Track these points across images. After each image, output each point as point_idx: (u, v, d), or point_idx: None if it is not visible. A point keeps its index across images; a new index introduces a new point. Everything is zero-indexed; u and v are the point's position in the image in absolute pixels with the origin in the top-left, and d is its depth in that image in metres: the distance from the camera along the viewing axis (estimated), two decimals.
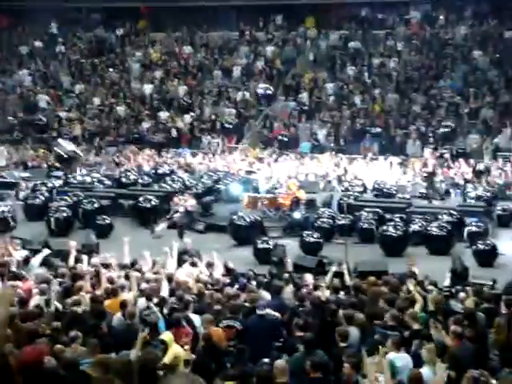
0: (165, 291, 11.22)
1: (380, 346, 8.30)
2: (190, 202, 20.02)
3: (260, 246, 16.56)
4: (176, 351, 8.83)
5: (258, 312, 9.97)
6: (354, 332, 9.46)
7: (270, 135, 29.26)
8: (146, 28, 37.35)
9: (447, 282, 12.79)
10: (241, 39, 35.52)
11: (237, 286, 12.25)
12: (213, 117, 30.38)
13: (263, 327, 9.77)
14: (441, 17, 33.50)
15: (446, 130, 26.74)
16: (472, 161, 24.95)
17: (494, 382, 6.95)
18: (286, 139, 28.51)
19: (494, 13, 32.69)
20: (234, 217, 18.54)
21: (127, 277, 11.89)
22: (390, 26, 34.30)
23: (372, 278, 12.29)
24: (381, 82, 30.89)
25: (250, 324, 9.90)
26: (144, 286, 11.60)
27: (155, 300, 10.74)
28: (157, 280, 11.75)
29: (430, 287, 12.03)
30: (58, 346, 8.30)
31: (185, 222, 19.61)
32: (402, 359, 8.52)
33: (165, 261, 13.26)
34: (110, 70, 34.66)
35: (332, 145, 27.95)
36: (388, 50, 32.82)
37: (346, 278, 12.57)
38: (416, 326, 9.45)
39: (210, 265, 13.32)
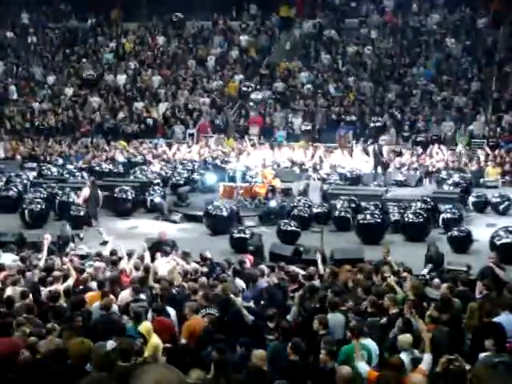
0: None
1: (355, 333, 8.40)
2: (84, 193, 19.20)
3: (236, 235, 16.54)
4: (155, 342, 8.81)
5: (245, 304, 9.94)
6: (338, 318, 9.50)
7: (246, 124, 29.25)
8: (118, 18, 37.10)
9: (425, 271, 12.87)
10: (215, 28, 35.39)
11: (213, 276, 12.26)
12: (189, 106, 30.29)
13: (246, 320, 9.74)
14: (414, 5, 33.62)
15: (379, 124, 26.80)
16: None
17: (468, 366, 7.01)
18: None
19: (467, 0, 32.87)
20: (209, 207, 18.50)
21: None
22: (364, 14, 34.36)
23: (347, 266, 12.34)
24: (355, 71, 30.96)
25: (232, 317, 9.86)
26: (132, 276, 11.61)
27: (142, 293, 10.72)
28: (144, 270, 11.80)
29: (405, 274, 12.10)
30: (33, 338, 8.24)
31: (163, 208, 19.61)
32: (371, 345, 8.61)
33: (140, 253, 13.23)
34: (83, 60, 34.39)
35: (306, 130, 27.93)
36: (362, 38, 32.90)
37: (320, 266, 12.61)
38: (395, 310, 9.51)
39: (186, 254, 13.29)
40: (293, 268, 12.52)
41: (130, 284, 11.15)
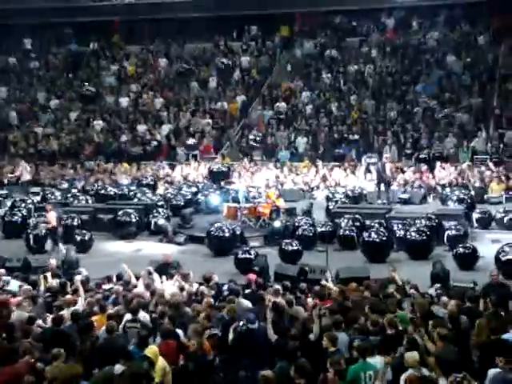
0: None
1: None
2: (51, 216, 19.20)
3: (241, 256, 16.53)
4: (162, 365, 8.76)
5: (250, 326, 9.91)
6: (342, 337, 9.47)
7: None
8: (120, 41, 37.33)
9: (432, 291, 12.85)
10: (216, 50, 35.58)
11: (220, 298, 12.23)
12: (190, 129, 30.42)
13: (257, 341, 9.70)
14: (414, 23, 33.79)
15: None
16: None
17: None
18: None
19: (467, 18, 33.05)
20: (211, 228, 18.50)
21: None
22: (365, 33, 34.53)
23: (353, 284, 12.32)
24: (357, 89, 31.07)
25: (243, 338, 9.81)
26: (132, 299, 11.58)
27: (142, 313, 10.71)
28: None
29: (412, 291, 12.08)
30: (39, 364, 8.22)
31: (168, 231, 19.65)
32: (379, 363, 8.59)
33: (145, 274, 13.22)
34: (86, 84, 34.57)
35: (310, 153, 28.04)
36: (363, 57, 33.04)
37: (331, 285, 12.62)
38: (390, 331, 9.45)
39: (184, 276, 13.27)
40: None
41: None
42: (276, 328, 9.79)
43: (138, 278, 13.13)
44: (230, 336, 9.88)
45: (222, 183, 23.77)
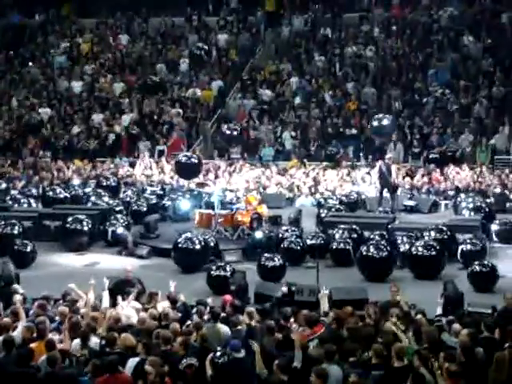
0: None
1: None
2: None
3: (215, 272, 16.49)
4: None
5: (236, 355, 9.91)
6: (335, 371, 9.47)
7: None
8: (72, 13, 37.20)
9: (439, 310, 12.88)
10: (188, 26, 35.56)
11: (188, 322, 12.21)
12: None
13: (245, 373, 9.72)
14: None
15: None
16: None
17: None
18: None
19: None
20: (180, 239, 18.46)
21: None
22: (365, 8, 34.64)
23: (349, 308, 12.32)
24: (355, 75, 31.16)
25: (227, 370, 9.84)
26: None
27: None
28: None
29: (419, 317, 12.10)
30: None
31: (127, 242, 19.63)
32: None
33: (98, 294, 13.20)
34: (30, 64, 34.39)
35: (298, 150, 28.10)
36: (363, 36, 33.14)
37: (325, 307, 12.65)
38: (398, 364, 9.48)
39: (151, 296, 13.24)
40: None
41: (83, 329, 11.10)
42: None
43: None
44: (208, 370, 9.89)
45: (194, 185, 23.70)
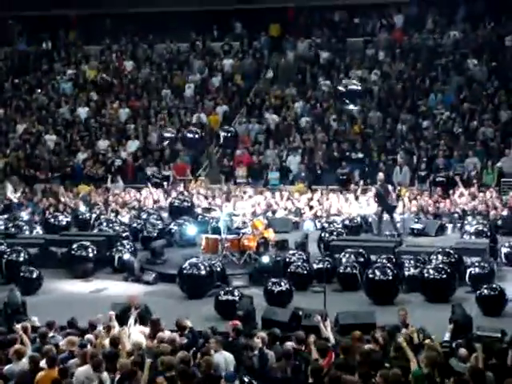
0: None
1: None
2: None
3: (223, 297, 16.46)
4: None
5: None
6: None
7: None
8: (77, 40, 37.39)
9: (447, 336, 12.81)
10: (193, 51, 35.70)
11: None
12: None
13: None
14: (429, 20, 34.07)
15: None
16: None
17: None
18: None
19: (491, 14, 33.33)
20: (185, 265, 18.42)
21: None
22: (370, 32, 34.76)
23: (357, 333, 12.25)
24: (360, 99, 31.17)
25: None
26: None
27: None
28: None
29: (427, 341, 12.02)
30: None
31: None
32: None
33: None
34: (38, 91, 34.54)
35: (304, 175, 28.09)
36: (368, 60, 33.23)
37: (329, 334, 12.57)
38: None
39: (154, 322, 13.18)
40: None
41: (90, 358, 11.02)
42: None
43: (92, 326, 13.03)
44: None
45: (200, 210, 23.69)
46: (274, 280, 17.25)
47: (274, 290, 16.96)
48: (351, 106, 25.67)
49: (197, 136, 26.39)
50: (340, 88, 23.41)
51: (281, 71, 33.91)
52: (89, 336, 12.61)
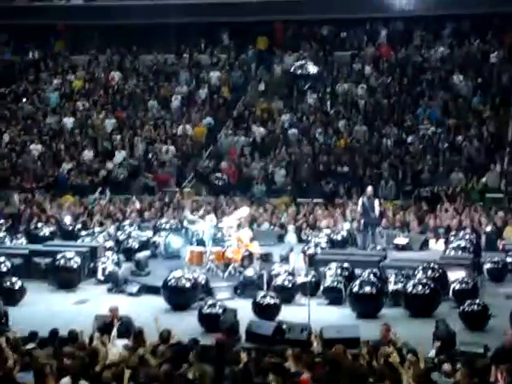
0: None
1: None
2: None
3: (206, 310, 16.43)
4: None
5: None
6: None
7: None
8: (64, 50, 37.35)
9: (432, 353, 12.82)
10: (180, 63, 35.72)
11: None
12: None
13: None
14: (415, 36, 34.25)
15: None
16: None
17: None
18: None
19: (477, 31, 33.56)
20: (169, 277, 18.40)
21: None
22: (356, 46, 34.90)
23: (340, 347, 12.24)
24: (347, 113, 31.28)
25: None
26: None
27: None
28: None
29: (409, 356, 12.03)
30: None
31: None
32: None
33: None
34: (24, 100, 34.46)
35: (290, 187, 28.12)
36: (354, 74, 33.34)
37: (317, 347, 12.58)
38: None
39: (136, 335, 13.13)
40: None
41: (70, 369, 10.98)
42: None
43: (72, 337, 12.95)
44: None
45: (186, 223, 23.66)
46: (263, 293, 17.24)
47: (262, 303, 16.93)
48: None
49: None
50: (294, 70, 23.49)
51: (268, 84, 33.94)
52: (68, 348, 12.50)
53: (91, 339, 12.93)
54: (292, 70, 26.47)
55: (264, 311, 16.70)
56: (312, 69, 23.43)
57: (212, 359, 12.03)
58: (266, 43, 35.64)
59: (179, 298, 18.10)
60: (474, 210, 25.18)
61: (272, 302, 16.95)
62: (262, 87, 33.98)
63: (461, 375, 10.56)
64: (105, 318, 14.69)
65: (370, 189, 23.43)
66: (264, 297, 17.06)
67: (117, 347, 12.72)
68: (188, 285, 18.15)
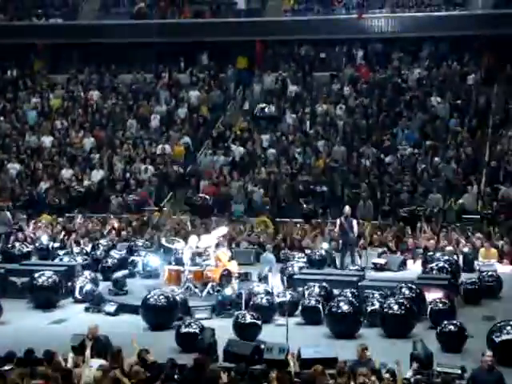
0: None
1: None
2: None
3: (184, 330, 16.39)
4: None
5: None
6: None
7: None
8: (43, 69, 37.31)
9: (409, 373, 12.84)
10: (159, 82, 35.76)
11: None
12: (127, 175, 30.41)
13: None
14: (393, 57, 34.49)
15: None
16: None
17: None
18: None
19: (454, 53, 33.88)
20: (148, 296, 18.36)
21: None
22: (335, 67, 35.10)
23: (319, 367, 12.26)
24: (325, 133, 31.42)
25: None
26: None
27: None
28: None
29: (387, 376, 12.07)
30: None
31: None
32: None
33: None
34: (1, 118, 34.36)
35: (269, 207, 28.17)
36: (333, 95, 33.51)
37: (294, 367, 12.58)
38: None
39: (113, 355, 13.07)
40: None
41: None
42: None
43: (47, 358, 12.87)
44: None
45: (164, 241, 23.62)
46: (242, 312, 17.22)
47: (243, 323, 16.91)
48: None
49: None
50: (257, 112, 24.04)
51: (247, 104, 34.05)
52: (42, 369, 12.41)
53: (65, 360, 12.86)
54: (255, 111, 26.90)
55: (245, 331, 16.67)
56: (272, 110, 24.04)
57: (190, 379, 12.04)
58: (245, 63, 35.76)
59: (158, 317, 18.04)
60: (452, 230, 25.31)
61: (253, 321, 16.92)
62: (241, 107, 34.08)
63: None
64: (81, 338, 14.63)
65: (347, 209, 23.52)
66: (244, 316, 17.04)
67: (90, 368, 12.61)
68: (166, 304, 18.11)
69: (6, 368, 12.72)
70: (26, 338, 15.83)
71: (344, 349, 14.87)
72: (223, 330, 16.72)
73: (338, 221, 23.50)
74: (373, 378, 11.43)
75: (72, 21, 37.73)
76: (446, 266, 21.62)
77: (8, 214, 26.83)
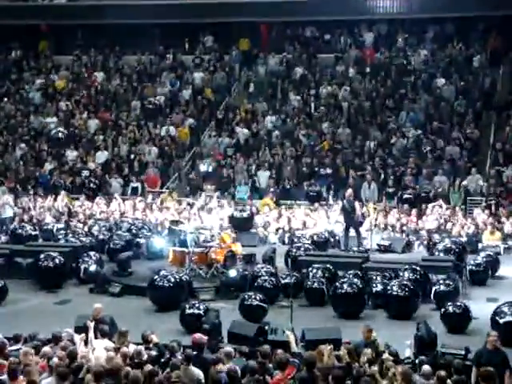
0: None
1: None
2: None
3: (188, 311, 16.43)
4: None
5: None
6: None
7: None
8: (48, 50, 37.26)
9: (408, 353, 12.87)
10: (163, 63, 35.70)
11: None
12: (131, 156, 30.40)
13: None
14: (398, 39, 34.37)
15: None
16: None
17: None
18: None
19: (460, 34, 33.73)
20: (156, 277, 18.40)
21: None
22: (340, 48, 35.01)
23: (322, 347, 12.27)
24: (330, 115, 31.37)
25: None
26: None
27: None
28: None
29: (388, 357, 12.07)
30: None
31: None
32: None
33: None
34: (5, 100, 34.35)
35: (273, 189, 28.15)
36: (338, 76, 33.43)
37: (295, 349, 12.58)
38: None
39: (122, 334, 13.10)
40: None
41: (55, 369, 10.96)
42: None
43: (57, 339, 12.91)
44: None
45: (169, 223, 23.64)
46: (250, 294, 17.23)
47: (250, 304, 16.91)
48: None
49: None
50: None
51: (252, 85, 33.99)
52: (46, 349, 12.43)
53: (71, 340, 12.89)
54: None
55: (251, 313, 16.69)
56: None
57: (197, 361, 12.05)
58: (249, 45, 35.67)
59: (165, 298, 18.06)
60: (456, 212, 25.30)
61: (259, 303, 16.93)
62: (245, 88, 34.02)
63: (437, 378, 10.59)
64: (86, 319, 14.65)
65: (349, 191, 23.55)
66: (251, 298, 17.05)
67: (96, 349, 12.65)
68: (173, 285, 18.14)
69: (14, 348, 12.75)
70: (32, 319, 15.91)
71: (348, 330, 14.88)
72: (227, 311, 16.78)
73: (341, 203, 23.51)
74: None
75: (76, 1, 37.66)
76: (453, 247, 21.61)
77: (10, 199, 26.85)
